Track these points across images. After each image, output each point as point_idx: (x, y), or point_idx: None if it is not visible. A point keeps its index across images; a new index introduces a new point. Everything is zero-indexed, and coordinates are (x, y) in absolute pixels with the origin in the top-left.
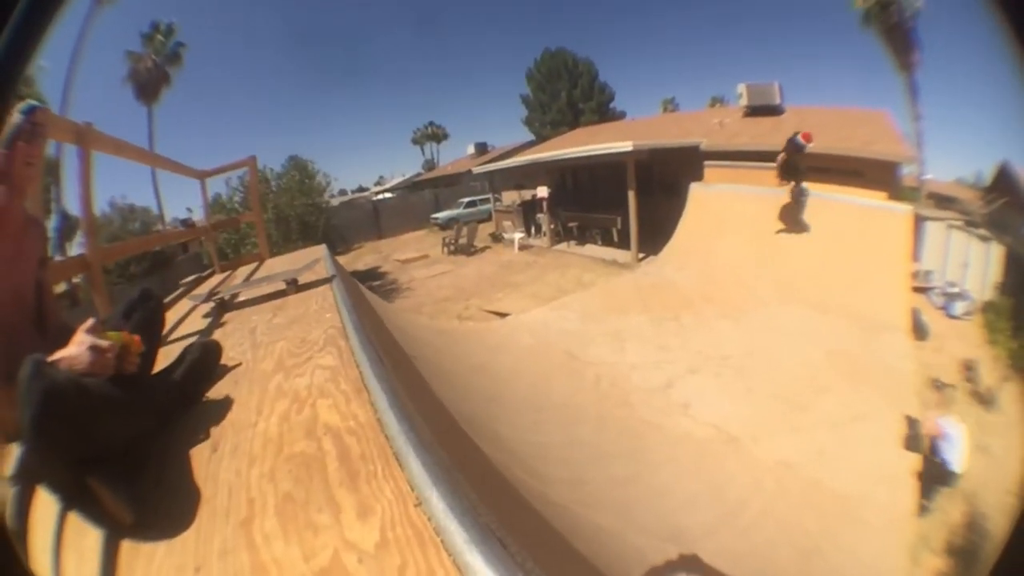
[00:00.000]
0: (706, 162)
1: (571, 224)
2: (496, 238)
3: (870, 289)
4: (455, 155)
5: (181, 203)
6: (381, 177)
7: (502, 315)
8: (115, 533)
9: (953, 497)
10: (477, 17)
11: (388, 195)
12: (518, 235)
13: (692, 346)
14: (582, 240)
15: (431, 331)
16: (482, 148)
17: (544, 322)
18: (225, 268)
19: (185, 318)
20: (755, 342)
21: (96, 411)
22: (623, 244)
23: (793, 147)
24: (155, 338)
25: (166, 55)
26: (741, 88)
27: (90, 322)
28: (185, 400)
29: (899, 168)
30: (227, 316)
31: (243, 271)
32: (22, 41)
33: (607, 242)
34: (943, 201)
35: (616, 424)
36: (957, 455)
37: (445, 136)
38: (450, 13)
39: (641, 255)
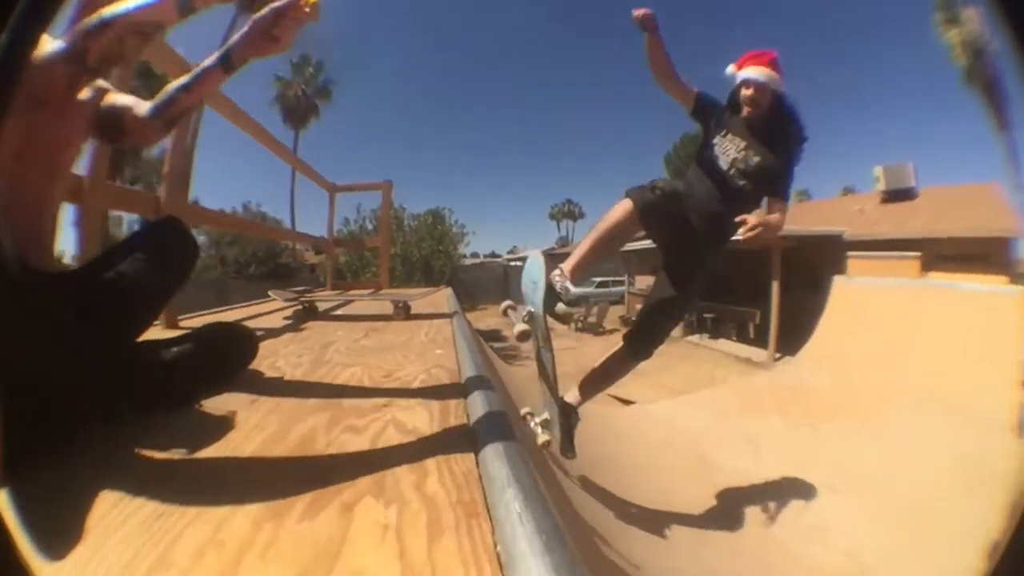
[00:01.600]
0: (849, 253)
1: (706, 315)
2: (626, 322)
3: (987, 383)
4: None
5: (315, 228)
6: (514, 247)
7: (627, 402)
8: None
9: None
10: (620, 100)
11: (520, 263)
12: None
13: (830, 459)
14: (715, 334)
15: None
16: None
17: (672, 416)
18: (338, 287)
19: (261, 315)
20: (891, 457)
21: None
22: (759, 340)
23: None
24: (163, 287)
25: (316, 87)
26: (878, 171)
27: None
28: (166, 392)
29: (1010, 244)
30: (310, 324)
31: (356, 294)
32: (22, 41)
33: (742, 337)
34: None
35: (750, 547)
36: None
37: (582, 215)
38: (598, 97)
39: (778, 355)
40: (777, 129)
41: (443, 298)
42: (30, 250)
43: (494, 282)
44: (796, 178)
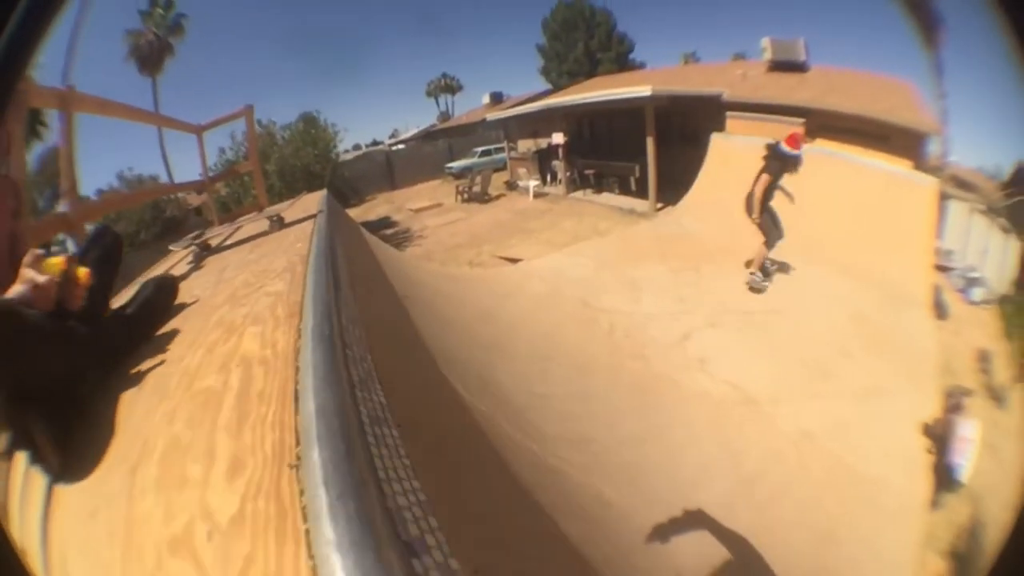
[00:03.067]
0: (728, 113)
1: (588, 172)
2: (511, 186)
3: (894, 258)
4: (470, 106)
5: (193, 169)
6: (395, 130)
7: (514, 261)
8: (49, 477)
9: (961, 498)
10: None
11: (402, 146)
12: (533, 183)
13: (712, 299)
14: (599, 188)
15: (438, 276)
16: (497, 98)
17: (557, 269)
18: (224, 221)
19: (171, 268)
20: (778, 299)
21: (31, 340)
22: (641, 193)
23: (777, 156)
24: (110, 276)
25: (167, 27)
26: (765, 42)
27: (31, 254)
28: (134, 338)
29: (926, 139)
30: (209, 260)
31: (238, 221)
32: (22, 41)
33: (625, 191)
34: (963, 185)
35: (628, 377)
36: (965, 464)
37: (459, 87)
38: None
39: (659, 205)
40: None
41: (314, 201)
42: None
43: (378, 171)
44: (685, 40)
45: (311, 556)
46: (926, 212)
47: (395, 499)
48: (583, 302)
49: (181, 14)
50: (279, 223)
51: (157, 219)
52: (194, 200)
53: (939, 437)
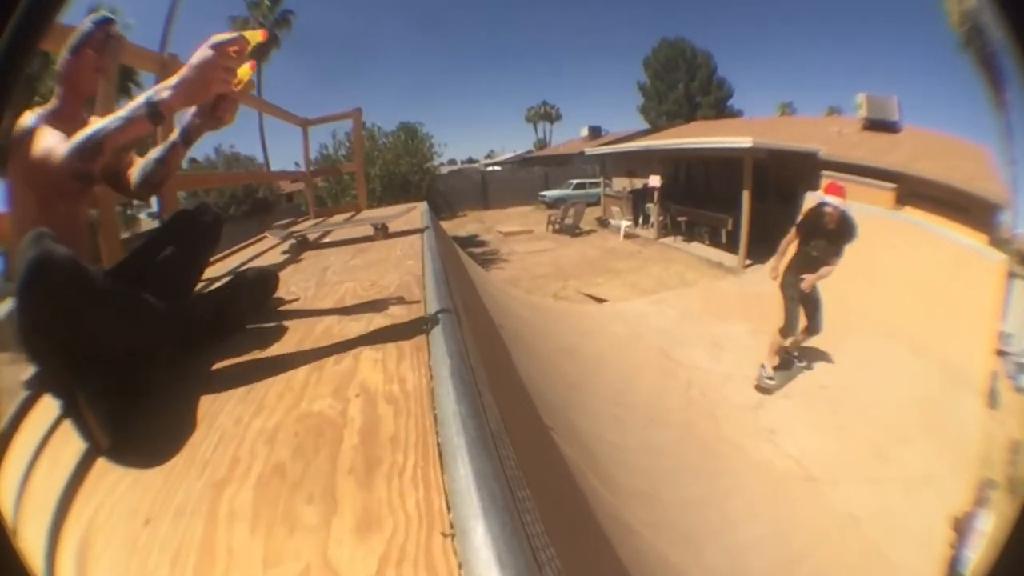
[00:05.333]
0: (823, 172)
1: (680, 218)
2: (602, 223)
3: (960, 339)
4: (567, 137)
5: (289, 157)
6: (491, 151)
7: (599, 300)
8: (91, 452)
9: None
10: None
11: (497, 168)
12: (625, 223)
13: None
14: (689, 236)
15: (523, 304)
16: (596, 132)
17: (641, 314)
18: (320, 215)
19: (263, 253)
20: (851, 374)
21: (91, 300)
22: (731, 247)
23: (812, 215)
24: (205, 257)
25: (274, 20)
26: (861, 99)
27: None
28: (221, 326)
29: (999, 212)
30: (306, 255)
31: (338, 219)
32: (22, 41)
33: (715, 242)
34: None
35: (699, 436)
36: (972, 557)
37: (558, 117)
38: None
39: (748, 261)
40: (839, 232)
41: (418, 214)
42: (88, 261)
43: (472, 189)
44: (781, 90)
45: None
46: (993, 293)
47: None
48: (663, 352)
49: (289, 10)
50: (383, 231)
51: (248, 197)
52: (287, 186)
53: (962, 530)
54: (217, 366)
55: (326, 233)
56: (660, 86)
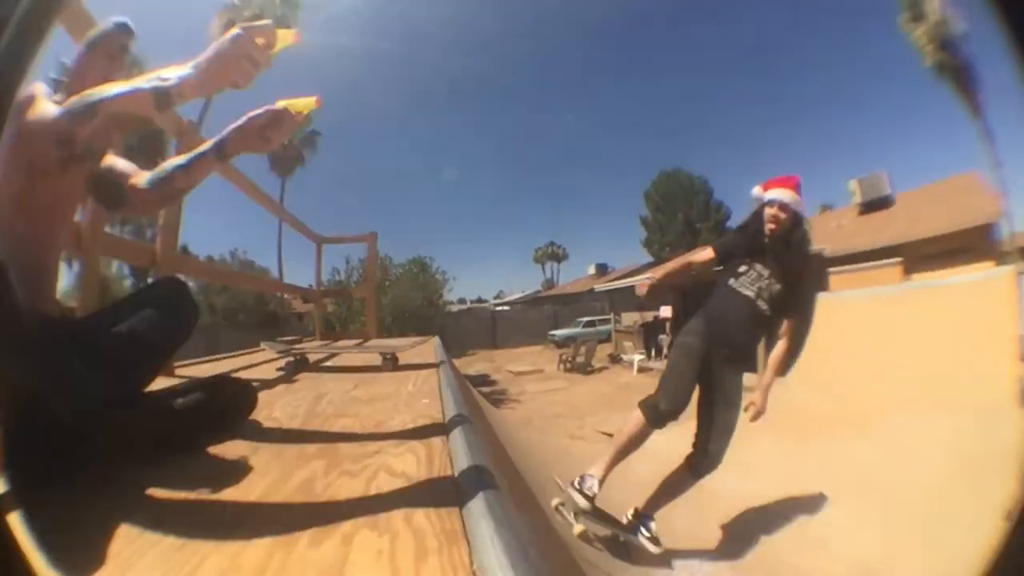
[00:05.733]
0: (830, 270)
1: None
2: (615, 359)
3: (983, 368)
4: (574, 275)
5: (302, 278)
6: (500, 291)
7: (611, 435)
8: None
9: None
10: (597, 139)
11: (507, 307)
12: (638, 357)
13: (825, 472)
14: None
15: (543, 448)
16: (603, 269)
17: (665, 447)
18: (327, 337)
19: (255, 366)
20: (889, 462)
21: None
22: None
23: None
24: (173, 346)
25: (302, 137)
26: (853, 185)
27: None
28: (170, 437)
29: (992, 228)
30: (302, 376)
31: (345, 344)
32: (22, 41)
33: None
34: None
35: (753, 567)
36: None
37: (565, 256)
38: (569, 148)
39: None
40: (794, 248)
41: (431, 348)
42: (36, 298)
43: (482, 328)
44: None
45: None
46: (1005, 303)
47: None
48: (696, 485)
49: (315, 131)
50: (393, 361)
51: (260, 307)
52: (299, 306)
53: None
54: (152, 491)
55: (329, 356)
56: (661, 218)
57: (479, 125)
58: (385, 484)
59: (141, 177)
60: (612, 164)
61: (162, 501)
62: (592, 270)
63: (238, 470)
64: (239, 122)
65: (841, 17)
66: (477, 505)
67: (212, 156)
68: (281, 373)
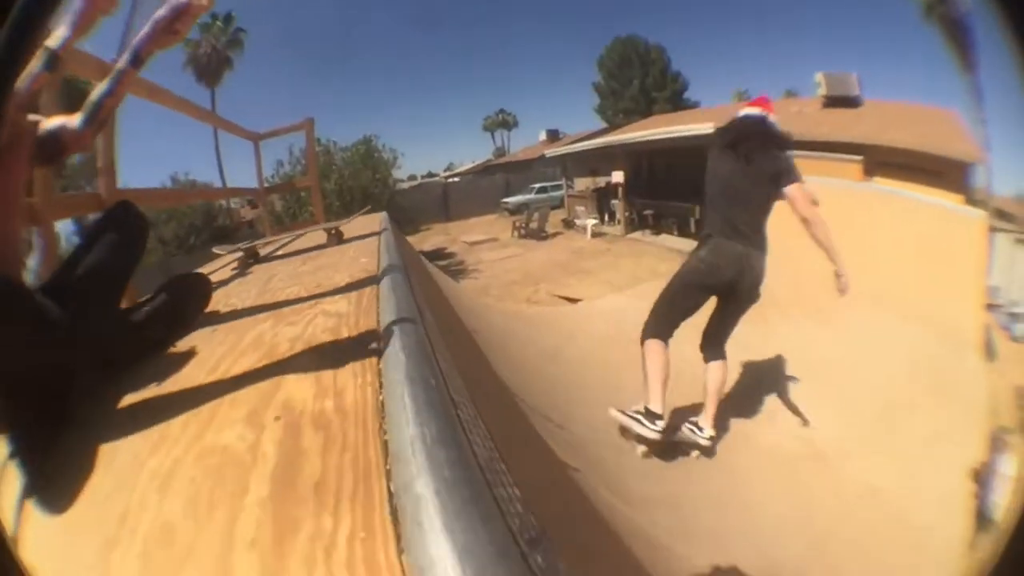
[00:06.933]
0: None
1: (646, 212)
2: (568, 224)
3: (948, 298)
4: (526, 143)
5: (248, 180)
6: (451, 163)
7: (573, 301)
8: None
9: (990, 536)
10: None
11: (457, 179)
12: (591, 221)
13: (778, 348)
14: (657, 229)
15: (497, 312)
16: (554, 135)
17: (620, 310)
18: (276, 233)
19: (212, 273)
20: (843, 349)
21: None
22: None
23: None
24: (127, 265)
25: (227, 41)
26: (819, 77)
27: None
28: (144, 344)
29: (972, 169)
30: (255, 268)
31: (292, 233)
32: (21, 41)
33: (684, 232)
34: (1005, 216)
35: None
36: (996, 500)
37: (515, 123)
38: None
39: None
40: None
41: (376, 220)
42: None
43: (434, 202)
44: (737, 78)
45: None
46: (977, 248)
47: None
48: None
49: (240, 28)
50: (338, 237)
51: (208, 225)
52: (247, 214)
53: (983, 480)
54: (131, 391)
55: (280, 247)
56: (615, 85)
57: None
58: (320, 324)
59: (74, 121)
60: (563, 29)
61: (144, 388)
62: (543, 136)
63: (203, 345)
64: (145, 29)
65: None
66: (393, 326)
67: (130, 67)
68: (236, 271)
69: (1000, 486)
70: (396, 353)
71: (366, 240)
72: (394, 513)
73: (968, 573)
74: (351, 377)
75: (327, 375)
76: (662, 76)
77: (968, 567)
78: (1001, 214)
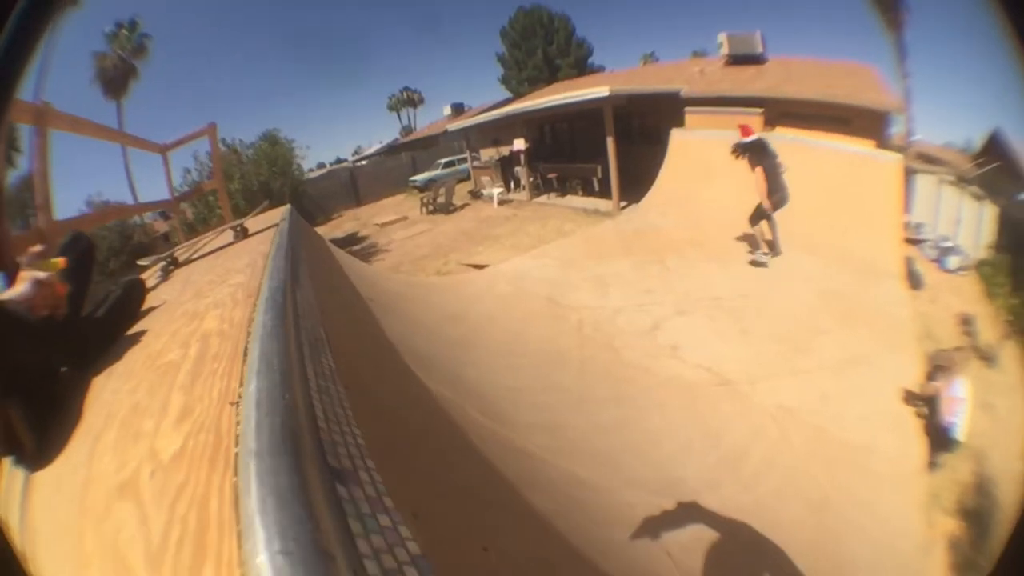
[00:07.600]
0: (687, 109)
1: (551, 176)
2: (475, 195)
3: (862, 235)
4: (432, 119)
5: (160, 192)
6: (358, 147)
7: (481, 267)
8: (23, 462)
9: (961, 456)
10: None
11: (364, 163)
12: (497, 190)
13: (679, 288)
14: (562, 192)
15: (404, 283)
16: (459, 109)
17: (523, 271)
18: (190, 239)
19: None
20: (746, 284)
21: (15, 335)
22: (604, 193)
23: (748, 148)
24: (84, 282)
25: (132, 49)
26: (721, 38)
27: (30, 253)
28: (104, 337)
29: (888, 118)
30: (176, 272)
31: (204, 237)
32: (21, 41)
33: (588, 192)
34: (931, 160)
35: (600, 368)
36: (959, 422)
37: (421, 100)
38: None
39: (623, 203)
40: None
41: (278, 213)
42: None
43: (342, 188)
44: (644, 42)
45: (235, 473)
46: (891, 188)
47: (331, 435)
48: (550, 300)
49: (145, 34)
50: (242, 233)
51: (125, 246)
52: (161, 227)
53: (928, 400)
54: (103, 364)
55: (194, 251)
56: (519, 54)
57: None
58: (226, 291)
59: None
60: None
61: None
62: (448, 111)
63: (149, 324)
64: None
65: None
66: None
67: None
68: (160, 278)
69: (957, 408)
70: (264, 291)
71: (268, 232)
72: (244, 354)
73: (936, 489)
74: (239, 311)
75: (227, 314)
76: (566, 43)
77: (932, 483)
78: (928, 158)
